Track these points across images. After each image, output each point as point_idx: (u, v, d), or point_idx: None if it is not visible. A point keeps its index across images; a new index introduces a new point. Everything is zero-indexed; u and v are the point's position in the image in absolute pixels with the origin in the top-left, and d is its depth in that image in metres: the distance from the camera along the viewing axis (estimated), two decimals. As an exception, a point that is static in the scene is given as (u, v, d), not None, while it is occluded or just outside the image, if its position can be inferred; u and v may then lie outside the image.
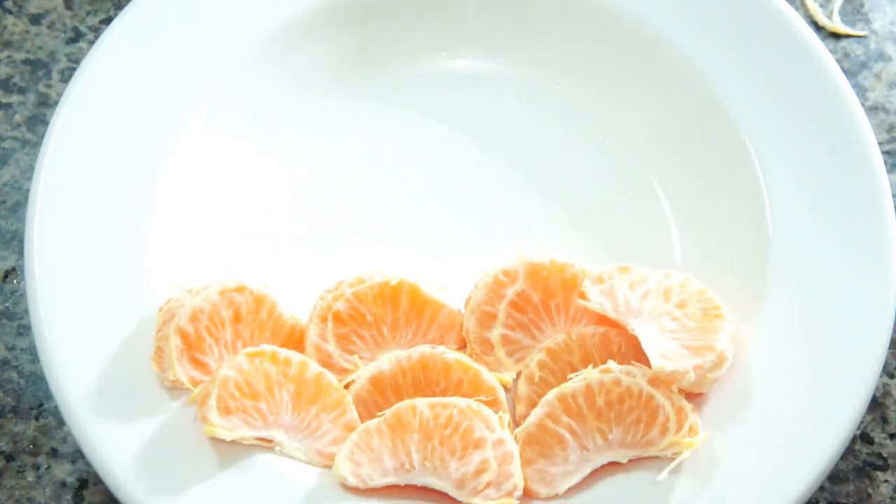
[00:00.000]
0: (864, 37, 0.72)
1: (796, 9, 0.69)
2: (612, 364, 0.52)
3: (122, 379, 0.52)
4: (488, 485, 0.50)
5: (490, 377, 0.54)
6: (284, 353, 0.53)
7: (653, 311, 0.53)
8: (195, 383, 0.53)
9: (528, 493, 0.51)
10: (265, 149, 0.64)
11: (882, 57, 0.72)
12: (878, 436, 0.60)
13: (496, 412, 0.52)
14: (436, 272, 0.58)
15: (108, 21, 0.72)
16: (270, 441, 0.52)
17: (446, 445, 0.51)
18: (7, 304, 0.63)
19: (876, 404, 0.60)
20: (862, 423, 0.60)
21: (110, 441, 0.51)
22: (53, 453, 0.59)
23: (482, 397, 0.53)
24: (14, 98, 0.70)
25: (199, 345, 0.53)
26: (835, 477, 0.58)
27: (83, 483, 0.58)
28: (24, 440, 0.59)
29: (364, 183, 0.64)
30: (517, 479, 0.51)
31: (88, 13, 0.73)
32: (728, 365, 0.52)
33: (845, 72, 0.60)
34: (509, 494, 0.50)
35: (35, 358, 0.61)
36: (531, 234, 0.62)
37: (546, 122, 0.65)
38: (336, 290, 0.56)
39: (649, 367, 0.51)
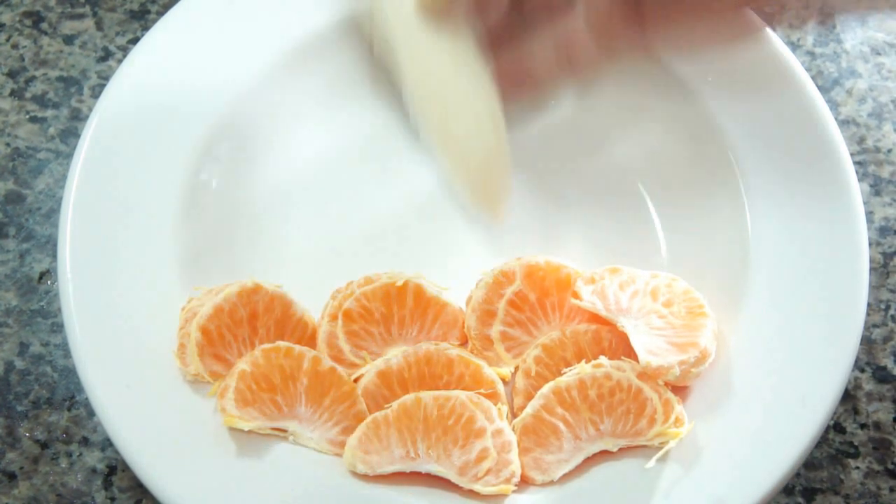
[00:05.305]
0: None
1: (774, 29, 0.69)
2: (603, 359, 0.52)
3: (148, 373, 0.52)
4: (488, 472, 0.50)
5: (490, 371, 0.53)
6: (298, 348, 0.52)
7: (641, 310, 0.53)
8: (215, 377, 0.52)
9: (525, 480, 0.51)
10: (281, 159, 0.63)
11: (853, 74, 0.71)
12: (850, 426, 0.59)
13: (495, 404, 0.52)
14: (439, 273, 0.57)
15: (135, 41, 0.71)
16: (285, 431, 0.52)
17: (449, 435, 0.50)
18: (42, 304, 0.62)
19: (848, 397, 0.60)
20: (835, 414, 0.59)
21: (137, 430, 0.50)
22: (84, 442, 0.58)
23: (482, 390, 0.53)
24: (49, 112, 0.69)
25: (219, 341, 0.53)
26: (810, 464, 0.58)
27: (112, 469, 0.58)
28: (58, 429, 0.59)
29: (372, 190, 0.63)
30: (515, 466, 0.50)
31: (117, 34, 0.72)
32: (711, 360, 0.52)
33: (819, 88, 0.60)
34: (507, 481, 0.50)
35: (67, 353, 0.61)
36: (528, 238, 0.61)
37: (542, 134, 0.64)
38: (346, 290, 0.55)
39: (638, 362, 0.51)
